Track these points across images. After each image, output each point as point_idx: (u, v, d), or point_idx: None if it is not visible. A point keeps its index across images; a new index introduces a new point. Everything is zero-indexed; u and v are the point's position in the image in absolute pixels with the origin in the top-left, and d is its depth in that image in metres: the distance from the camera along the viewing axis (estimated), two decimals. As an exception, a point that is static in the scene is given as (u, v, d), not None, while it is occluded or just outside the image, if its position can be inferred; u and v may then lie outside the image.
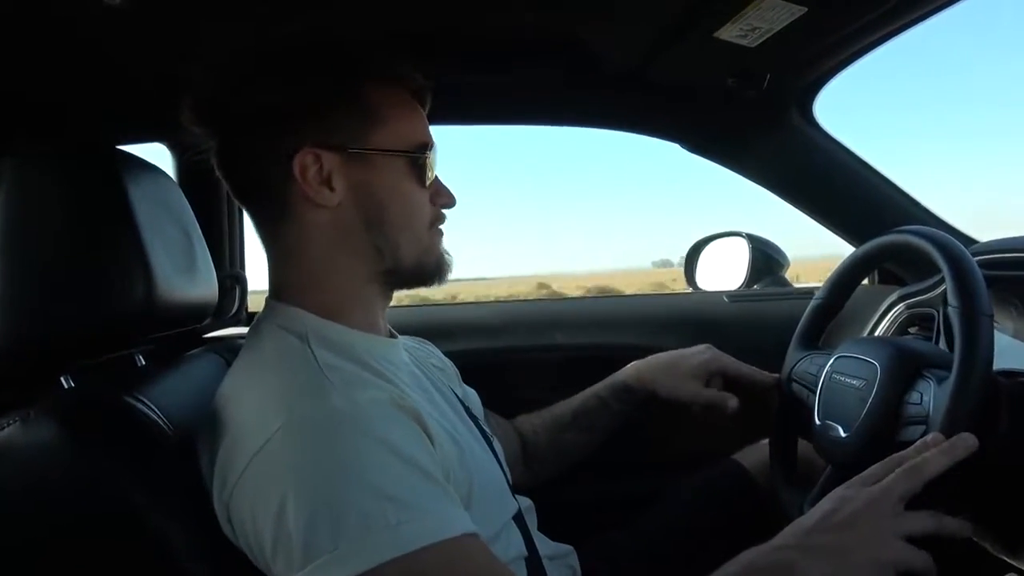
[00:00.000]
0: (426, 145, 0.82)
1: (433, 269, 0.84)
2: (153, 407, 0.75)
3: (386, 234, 0.79)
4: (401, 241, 0.80)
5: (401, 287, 0.87)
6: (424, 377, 0.87)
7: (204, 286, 0.95)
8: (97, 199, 0.78)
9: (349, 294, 0.80)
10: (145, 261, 0.78)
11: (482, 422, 0.95)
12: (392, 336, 0.88)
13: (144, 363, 0.94)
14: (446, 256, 0.85)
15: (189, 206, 0.96)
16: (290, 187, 0.77)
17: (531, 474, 1.11)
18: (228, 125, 0.78)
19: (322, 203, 0.77)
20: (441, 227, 0.86)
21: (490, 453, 0.88)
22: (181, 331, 0.94)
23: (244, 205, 0.84)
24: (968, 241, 1.33)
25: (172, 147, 1.38)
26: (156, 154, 1.40)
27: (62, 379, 0.78)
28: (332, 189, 0.77)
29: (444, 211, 0.86)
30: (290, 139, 0.76)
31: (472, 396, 1.05)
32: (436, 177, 0.84)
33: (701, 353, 1.10)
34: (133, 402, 0.74)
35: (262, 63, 0.78)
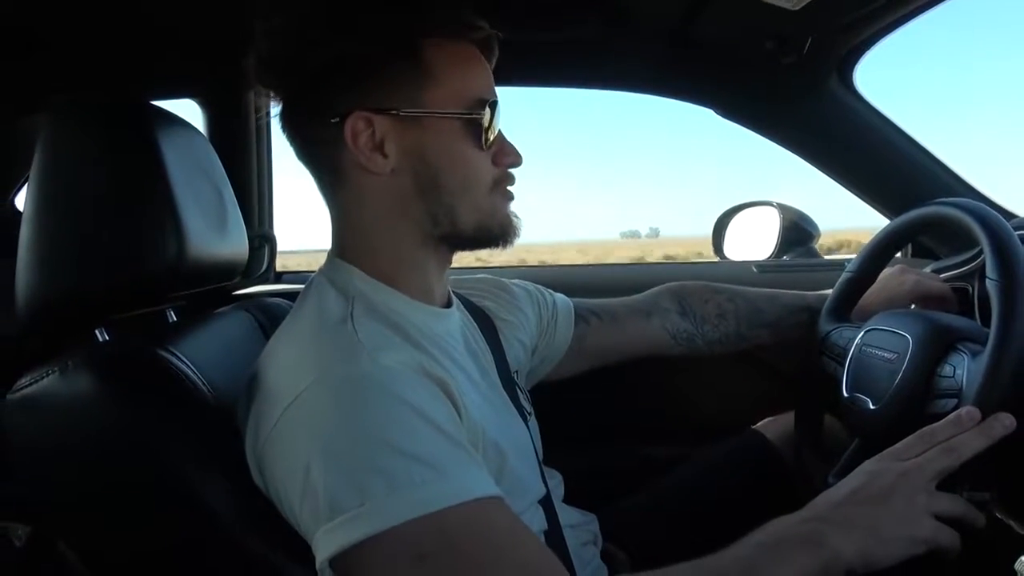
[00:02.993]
0: (484, 102, 0.76)
1: (497, 232, 0.80)
2: (186, 361, 0.76)
3: (442, 200, 0.76)
4: (458, 206, 0.77)
5: (462, 250, 0.83)
6: (467, 351, 0.85)
7: (235, 244, 0.96)
8: (131, 154, 0.79)
9: (403, 259, 0.79)
10: (177, 217, 0.79)
11: (523, 398, 0.93)
12: (448, 303, 0.86)
13: (175, 319, 0.96)
14: (513, 219, 0.81)
15: (220, 164, 0.96)
16: (343, 153, 0.75)
17: (687, 349, 1.13)
18: (286, 87, 0.77)
19: (375, 170, 0.75)
20: (510, 188, 0.81)
21: (526, 433, 0.88)
22: (211, 288, 0.95)
23: (306, 167, 0.81)
24: (1007, 215, 1.30)
25: (203, 104, 1.38)
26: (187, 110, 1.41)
27: (97, 332, 0.80)
28: (385, 155, 0.75)
29: (512, 171, 0.81)
30: (340, 102, 0.74)
31: (561, 300, 1.07)
32: (499, 135, 0.79)
33: (904, 283, 1.09)
34: (167, 355, 0.75)
35: (311, 20, 0.74)
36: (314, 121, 0.76)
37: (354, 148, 0.74)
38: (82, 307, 0.78)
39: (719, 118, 1.50)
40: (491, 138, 0.78)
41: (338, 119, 0.74)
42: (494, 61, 0.82)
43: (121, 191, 0.78)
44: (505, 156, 0.80)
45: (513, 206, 0.82)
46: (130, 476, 0.71)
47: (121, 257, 0.77)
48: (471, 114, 0.76)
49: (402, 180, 0.76)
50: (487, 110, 0.77)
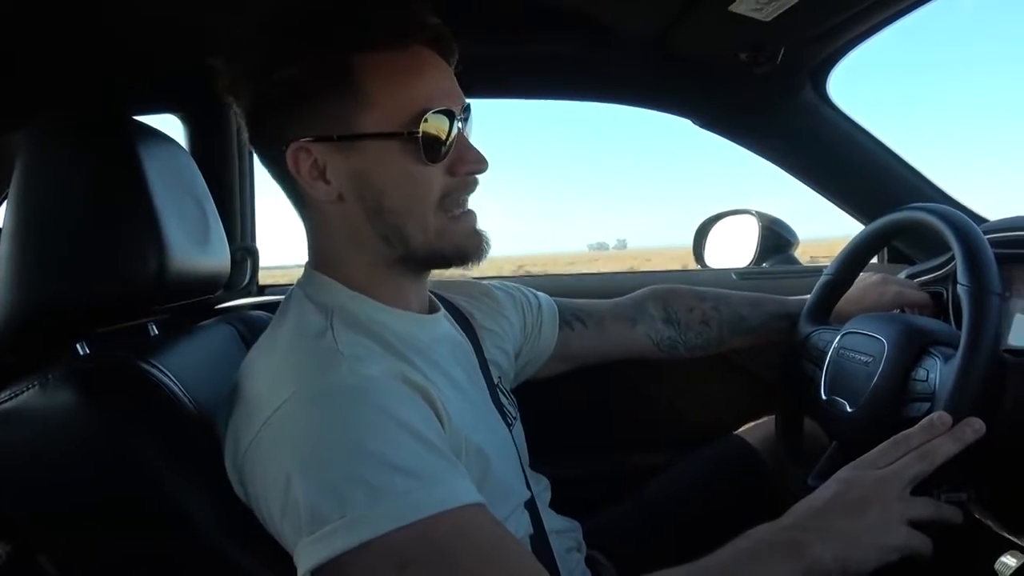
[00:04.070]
0: (424, 113, 0.71)
1: (451, 254, 0.77)
2: (168, 373, 0.76)
3: (388, 222, 0.74)
4: (406, 228, 0.74)
5: (428, 269, 0.82)
6: (452, 357, 0.84)
7: (217, 257, 0.96)
8: (112, 168, 0.79)
9: (374, 275, 0.78)
10: (159, 231, 0.79)
11: (507, 403, 0.94)
12: (433, 308, 0.86)
13: (157, 332, 0.95)
14: (474, 237, 0.78)
15: (202, 178, 0.97)
16: (292, 181, 0.75)
17: (668, 355, 1.14)
18: (244, 115, 0.77)
19: (321, 197, 0.74)
20: (465, 201, 0.77)
21: (510, 438, 0.88)
22: (193, 301, 0.95)
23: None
24: (978, 220, 1.32)
25: (185, 119, 1.38)
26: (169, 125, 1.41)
27: (77, 346, 0.79)
28: (328, 182, 0.73)
29: (476, 177, 0.77)
30: (281, 132, 0.73)
31: (546, 303, 1.07)
32: (459, 141, 0.75)
33: (885, 294, 1.11)
34: (148, 368, 0.75)
35: (245, 54, 0.74)
36: (268, 149, 0.77)
37: (297, 176, 0.74)
38: (63, 321, 0.78)
39: (687, 129, 1.53)
40: (444, 149, 0.73)
41: (284, 147, 0.73)
42: (454, 58, 0.77)
43: (102, 205, 0.78)
44: (463, 164, 0.75)
45: (480, 223, 0.79)
46: (112, 489, 0.70)
47: (102, 271, 0.77)
48: (407, 132, 0.71)
49: (350, 205, 0.74)
50: (437, 119, 0.72)
